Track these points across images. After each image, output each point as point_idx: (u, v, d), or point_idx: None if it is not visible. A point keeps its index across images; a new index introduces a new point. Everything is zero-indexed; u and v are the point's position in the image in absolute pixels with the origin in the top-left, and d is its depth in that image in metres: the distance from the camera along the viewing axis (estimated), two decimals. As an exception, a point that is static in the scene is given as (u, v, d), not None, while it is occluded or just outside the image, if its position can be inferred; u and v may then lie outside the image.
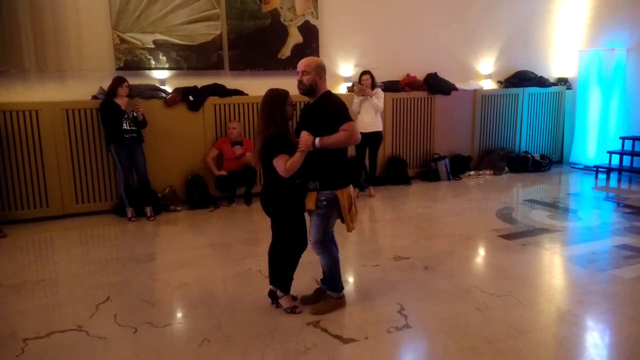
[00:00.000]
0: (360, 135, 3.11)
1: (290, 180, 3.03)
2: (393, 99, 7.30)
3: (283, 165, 2.95)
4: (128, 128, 5.41)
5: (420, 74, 7.64)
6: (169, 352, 2.80)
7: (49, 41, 5.61)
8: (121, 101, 5.38)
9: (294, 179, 3.04)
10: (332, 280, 3.30)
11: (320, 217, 3.10)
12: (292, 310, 3.22)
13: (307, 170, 3.05)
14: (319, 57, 6.88)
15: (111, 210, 5.84)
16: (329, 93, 3.12)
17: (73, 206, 5.72)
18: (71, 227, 5.40)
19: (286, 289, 3.28)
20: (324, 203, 3.06)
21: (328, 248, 3.21)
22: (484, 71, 8.27)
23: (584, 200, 6.48)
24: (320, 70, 3.06)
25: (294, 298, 3.35)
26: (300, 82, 3.07)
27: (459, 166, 7.78)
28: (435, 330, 3.00)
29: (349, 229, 3.17)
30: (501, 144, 8.33)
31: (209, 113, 6.22)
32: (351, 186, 3.18)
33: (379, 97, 6.22)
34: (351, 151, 6.57)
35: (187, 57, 6.25)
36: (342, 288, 3.34)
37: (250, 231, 5.15)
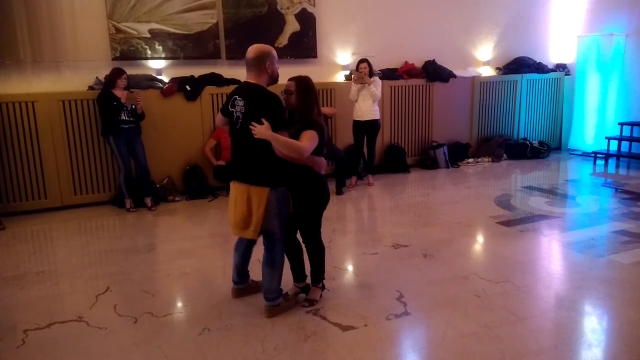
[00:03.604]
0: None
1: None
2: (391, 87, 7.26)
3: None
4: (126, 119, 5.38)
5: (418, 62, 7.60)
6: (169, 342, 2.81)
7: (44, 32, 5.56)
8: (120, 93, 5.34)
9: None
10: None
11: None
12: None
13: None
14: (316, 45, 6.88)
15: (110, 201, 5.84)
16: None
17: (71, 197, 5.71)
18: (70, 218, 5.39)
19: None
20: None
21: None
22: (482, 58, 8.23)
23: (582, 186, 6.49)
24: None
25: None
26: None
27: (458, 154, 7.77)
28: (434, 317, 3.01)
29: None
30: (500, 131, 8.31)
31: (206, 103, 6.18)
32: (236, 185, 2.96)
33: (376, 85, 6.18)
34: (349, 140, 6.61)
35: (184, 47, 6.20)
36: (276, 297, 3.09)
37: (249, 221, 5.14)
